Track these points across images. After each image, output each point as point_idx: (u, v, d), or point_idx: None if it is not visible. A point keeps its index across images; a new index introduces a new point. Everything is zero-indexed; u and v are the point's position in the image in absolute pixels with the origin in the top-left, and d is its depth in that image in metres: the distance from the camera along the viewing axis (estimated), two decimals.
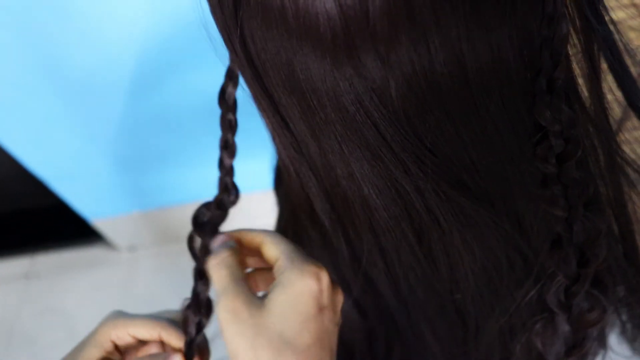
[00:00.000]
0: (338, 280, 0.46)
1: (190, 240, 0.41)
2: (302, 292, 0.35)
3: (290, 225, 0.49)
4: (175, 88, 1.04)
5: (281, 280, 0.36)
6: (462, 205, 0.35)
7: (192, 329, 0.39)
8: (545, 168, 0.33)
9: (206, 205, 0.41)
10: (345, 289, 0.46)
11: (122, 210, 1.36)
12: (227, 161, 0.40)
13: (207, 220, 0.40)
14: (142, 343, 0.42)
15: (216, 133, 0.40)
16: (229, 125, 0.39)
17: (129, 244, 1.49)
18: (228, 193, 0.40)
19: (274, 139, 0.39)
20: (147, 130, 1.13)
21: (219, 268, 0.37)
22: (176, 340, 0.40)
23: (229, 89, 0.38)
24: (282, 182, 0.53)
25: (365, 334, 0.50)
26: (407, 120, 0.31)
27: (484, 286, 0.41)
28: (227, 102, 0.39)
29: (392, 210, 0.36)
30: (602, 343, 0.47)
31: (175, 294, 1.38)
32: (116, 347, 0.41)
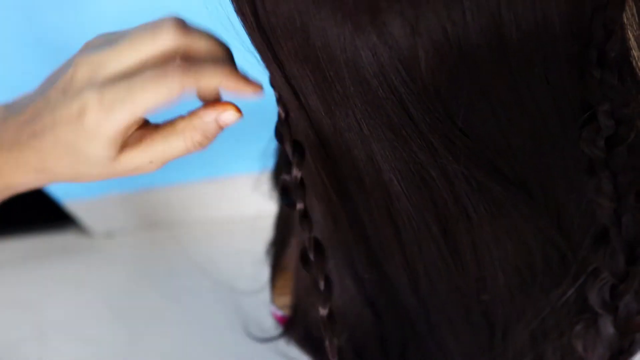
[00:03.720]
0: (350, 275, 0.46)
1: None
2: None
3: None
4: None
5: None
6: (496, 194, 0.35)
7: None
8: (592, 153, 0.33)
9: None
10: (358, 285, 0.46)
11: (98, 191, 1.36)
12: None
13: None
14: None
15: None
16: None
17: (106, 229, 1.49)
18: None
19: (282, 114, 0.39)
20: None
21: None
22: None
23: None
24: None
25: (378, 337, 0.51)
26: (437, 97, 0.31)
27: (515, 286, 0.41)
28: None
29: (415, 199, 0.36)
30: None
31: (159, 287, 1.39)
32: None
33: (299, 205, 0.39)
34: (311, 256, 0.39)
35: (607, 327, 0.38)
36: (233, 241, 1.31)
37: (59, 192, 1.34)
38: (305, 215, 0.40)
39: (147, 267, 1.43)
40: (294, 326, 0.56)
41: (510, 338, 0.45)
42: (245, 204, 1.13)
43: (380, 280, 0.46)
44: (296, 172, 0.39)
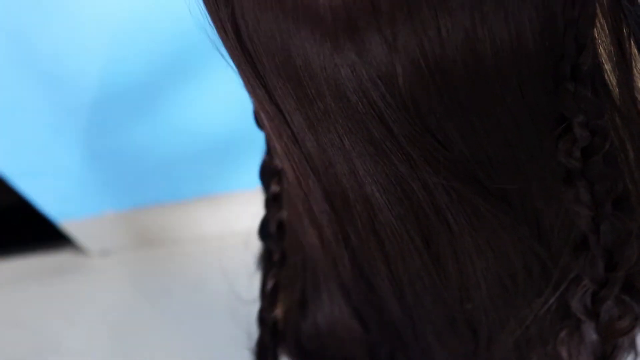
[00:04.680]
0: (338, 287, 0.46)
1: None
2: None
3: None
4: (154, 76, 1.03)
5: None
6: (476, 205, 0.35)
7: None
8: (569, 163, 0.33)
9: None
10: (345, 296, 0.46)
11: (93, 210, 1.35)
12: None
13: None
14: None
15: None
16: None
17: (101, 248, 1.48)
18: None
19: (267, 131, 0.39)
20: (120, 122, 1.13)
21: None
22: None
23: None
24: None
25: (366, 347, 0.50)
26: (416, 111, 0.31)
27: (498, 295, 0.41)
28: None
29: (397, 211, 0.36)
30: (632, 346, 0.48)
31: (155, 303, 1.38)
32: None
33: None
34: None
35: (590, 333, 0.38)
36: (227, 257, 1.30)
37: (55, 212, 1.33)
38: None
39: (143, 284, 1.42)
40: (285, 338, 0.56)
41: (495, 346, 0.45)
42: (238, 220, 1.13)
43: (367, 292, 0.45)
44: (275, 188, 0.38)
